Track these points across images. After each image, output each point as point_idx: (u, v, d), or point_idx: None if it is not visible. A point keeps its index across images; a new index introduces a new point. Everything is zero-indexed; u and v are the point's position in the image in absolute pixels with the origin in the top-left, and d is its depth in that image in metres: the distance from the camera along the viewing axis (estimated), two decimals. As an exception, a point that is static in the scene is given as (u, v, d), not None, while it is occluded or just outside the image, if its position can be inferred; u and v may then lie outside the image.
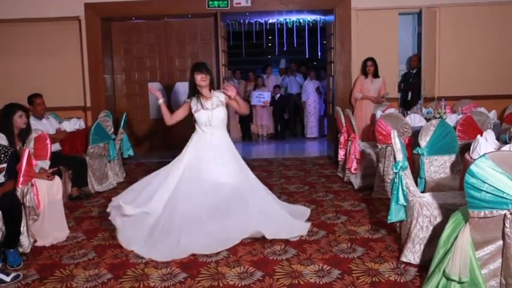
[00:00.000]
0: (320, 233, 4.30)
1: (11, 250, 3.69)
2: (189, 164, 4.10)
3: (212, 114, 4.09)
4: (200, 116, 4.10)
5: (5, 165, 3.72)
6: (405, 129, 5.15)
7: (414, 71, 7.79)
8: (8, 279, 3.45)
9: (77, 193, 5.69)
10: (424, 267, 3.34)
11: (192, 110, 4.16)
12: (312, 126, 10.61)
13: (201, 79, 4.10)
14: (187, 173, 4.07)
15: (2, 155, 3.73)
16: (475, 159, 2.65)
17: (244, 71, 11.52)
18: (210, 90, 4.18)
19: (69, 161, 5.65)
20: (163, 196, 4.03)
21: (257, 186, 4.29)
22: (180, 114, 4.26)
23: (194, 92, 4.19)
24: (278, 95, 10.58)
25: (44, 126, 5.52)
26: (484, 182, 2.58)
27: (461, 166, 4.14)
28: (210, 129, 4.11)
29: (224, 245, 3.87)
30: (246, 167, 4.31)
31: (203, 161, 4.08)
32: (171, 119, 4.28)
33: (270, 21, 10.06)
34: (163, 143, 8.41)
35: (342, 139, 6.38)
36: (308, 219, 4.50)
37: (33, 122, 5.33)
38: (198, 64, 4.23)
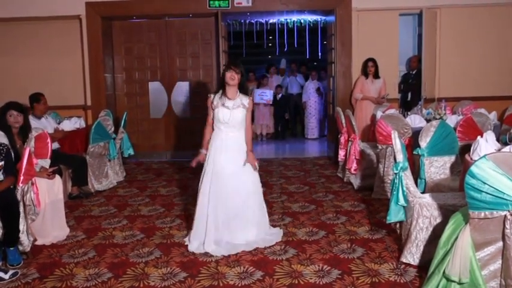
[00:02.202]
0: (320, 233, 4.30)
1: (11, 248, 3.69)
2: (211, 168, 4.06)
3: (231, 114, 3.99)
4: (218, 112, 4.01)
5: (2, 162, 3.72)
6: (405, 130, 5.15)
7: (414, 72, 7.78)
8: (6, 276, 3.47)
9: (77, 192, 5.69)
10: (423, 268, 3.35)
11: (213, 105, 4.06)
12: (312, 127, 10.61)
13: (230, 77, 4.01)
14: (212, 178, 4.05)
15: None
16: (475, 160, 2.66)
17: (244, 71, 11.49)
18: (236, 92, 4.06)
19: (70, 159, 5.65)
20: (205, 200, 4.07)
21: (255, 193, 4.19)
22: (211, 114, 4.13)
23: (220, 87, 4.12)
24: (280, 95, 10.60)
25: (43, 125, 5.52)
26: (485, 183, 2.59)
27: (461, 167, 4.14)
28: (226, 127, 4.04)
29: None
30: (252, 174, 4.16)
31: (218, 165, 4.02)
32: (210, 127, 4.17)
33: (271, 21, 10.05)
34: (163, 142, 8.41)
35: (342, 139, 6.39)
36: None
37: (32, 122, 5.33)
38: (231, 61, 4.10)
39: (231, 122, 4.01)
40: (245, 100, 4.06)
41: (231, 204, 4.00)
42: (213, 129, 4.12)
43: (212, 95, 4.11)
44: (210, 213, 3.98)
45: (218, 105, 4.03)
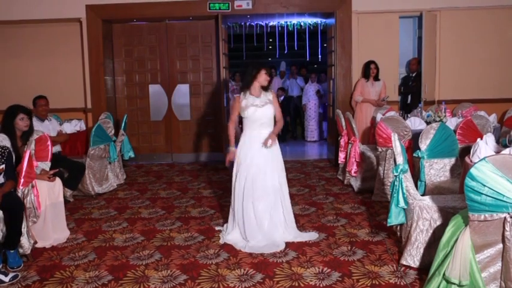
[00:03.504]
0: (320, 235, 4.30)
1: (11, 251, 3.69)
2: (243, 167, 4.17)
3: (262, 112, 4.11)
4: (250, 112, 4.12)
5: (3, 166, 3.73)
6: (405, 132, 5.15)
7: (414, 74, 7.79)
8: (6, 279, 3.47)
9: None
10: (423, 270, 3.35)
11: (242, 105, 4.17)
12: (312, 129, 10.61)
13: (265, 79, 4.14)
14: (244, 175, 4.17)
15: (0, 156, 3.74)
16: (475, 163, 2.66)
17: (244, 74, 11.51)
18: (260, 90, 4.20)
19: (69, 164, 5.62)
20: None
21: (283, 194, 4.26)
22: (236, 113, 4.27)
23: (247, 86, 4.20)
24: (282, 98, 10.60)
25: (46, 127, 5.53)
26: (484, 185, 2.59)
27: (461, 169, 4.14)
28: (260, 126, 4.13)
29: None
30: (281, 171, 4.26)
31: (251, 165, 4.14)
32: (234, 124, 4.32)
33: (271, 23, 10.05)
34: (164, 144, 8.41)
35: (342, 142, 6.39)
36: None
37: (35, 124, 5.34)
38: (264, 64, 4.21)
39: (262, 120, 4.13)
40: (269, 95, 4.20)
41: (264, 200, 4.10)
42: (239, 128, 4.32)
43: (241, 96, 4.21)
44: (245, 208, 4.11)
45: (248, 105, 4.14)
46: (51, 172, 4.28)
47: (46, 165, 4.38)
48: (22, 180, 3.79)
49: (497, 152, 3.34)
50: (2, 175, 3.76)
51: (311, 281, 3.38)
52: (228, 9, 7.51)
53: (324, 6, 7.63)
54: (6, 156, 3.76)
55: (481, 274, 2.73)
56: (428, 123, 5.49)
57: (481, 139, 3.53)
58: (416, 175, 4.36)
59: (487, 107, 6.60)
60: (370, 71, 7.17)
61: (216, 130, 8.24)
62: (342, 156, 6.40)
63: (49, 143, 4.39)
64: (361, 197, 5.56)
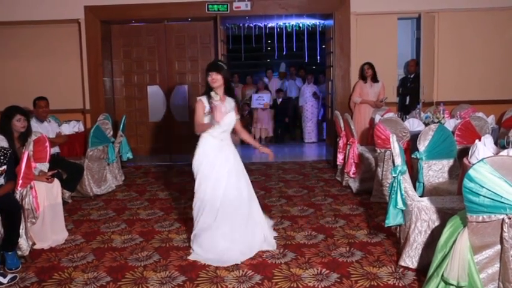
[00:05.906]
0: (319, 236, 4.30)
1: (10, 253, 3.68)
2: (206, 172, 4.12)
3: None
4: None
5: (4, 167, 3.73)
6: (404, 134, 5.16)
7: (412, 76, 7.80)
8: (4, 281, 3.46)
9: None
10: (422, 271, 3.36)
11: (205, 110, 3.92)
12: (309, 131, 10.59)
13: (211, 80, 3.87)
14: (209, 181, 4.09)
15: (2, 157, 3.74)
16: (473, 164, 2.66)
17: (243, 75, 11.56)
18: (224, 94, 3.93)
19: (68, 165, 5.61)
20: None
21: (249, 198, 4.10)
22: (201, 116, 3.99)
23: (207, 91, 3.93)
24: (280, 99, 10.60)
25: (45, 129, 5.53)
26: (482, 187, 2.59)
27: (459, 171, 4.15)
28: (222, 133, 4.00)
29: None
30: (243, 173, 4.12)
31: (215, 169, 4.05)
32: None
33: (270, 25, 10.07)
34: (162, 145, 8.41)
35: (340, 143, 6.39)
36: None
37: (35, 125, 5.34)
38: (210, 63, 3.98)
39: (225, 127, 3.99)
40: (232, 103, 3.97)
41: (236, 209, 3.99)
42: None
43: (200, 98, 3.99)
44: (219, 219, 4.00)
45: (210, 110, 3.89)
46: (50, 173, 4.27)
47: (44, 166, 4.38)
48: (20, 181, 3.78)
49: (496, 154, 3.35)
50: (2, 176, 3.75)
51: (309, 282, 3.39)
52: (227, 10, 7.51)
53: (323, 8, 7.63)
54: (8, 157, 3.76)
55: (479, 275, 2.73)
56: (426, 124, 5.50)
57: (479, 140, 3.54)
58: (414, 176, 4.36)
59: (485, 109, 6.61)
60: (364, 72, 7.21)
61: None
62: (340, 157, 6.41)
63: (47, 144, 4.39)
64: (359, 198, 5.57)
